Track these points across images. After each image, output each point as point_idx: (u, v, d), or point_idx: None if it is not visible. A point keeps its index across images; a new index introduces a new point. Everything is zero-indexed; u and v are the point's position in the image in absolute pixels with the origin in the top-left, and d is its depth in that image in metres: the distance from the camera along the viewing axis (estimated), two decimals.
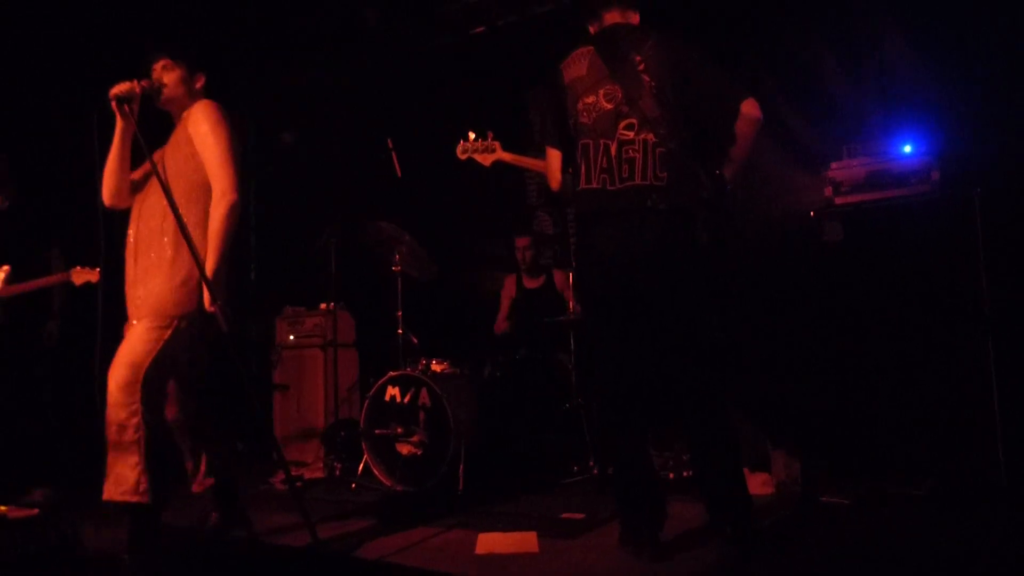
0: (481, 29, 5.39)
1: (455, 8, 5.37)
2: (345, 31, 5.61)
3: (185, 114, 2.96)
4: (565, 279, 4.62)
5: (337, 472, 4.48)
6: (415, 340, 4.60)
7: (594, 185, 2.70)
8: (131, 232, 2.94)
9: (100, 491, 2.75)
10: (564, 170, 2.87)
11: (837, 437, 3.48)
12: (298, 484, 3.86)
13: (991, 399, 3.18)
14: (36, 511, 3.54)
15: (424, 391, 4.05)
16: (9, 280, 3.95)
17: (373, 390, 4.21)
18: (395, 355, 4.42)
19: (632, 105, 2.66)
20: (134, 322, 2.85)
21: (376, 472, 4.09)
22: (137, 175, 3.01)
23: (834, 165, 3.63)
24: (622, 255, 2.64)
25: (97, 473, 2.77)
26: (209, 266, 2.75)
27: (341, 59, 5.82)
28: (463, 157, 3.84)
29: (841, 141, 3.72)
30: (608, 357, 2.75)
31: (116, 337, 2.85)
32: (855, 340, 3.48)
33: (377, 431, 4.13)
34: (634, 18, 2.79)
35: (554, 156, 2.88)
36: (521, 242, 4.90)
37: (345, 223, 5.13)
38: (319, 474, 4.62)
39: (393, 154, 4.73)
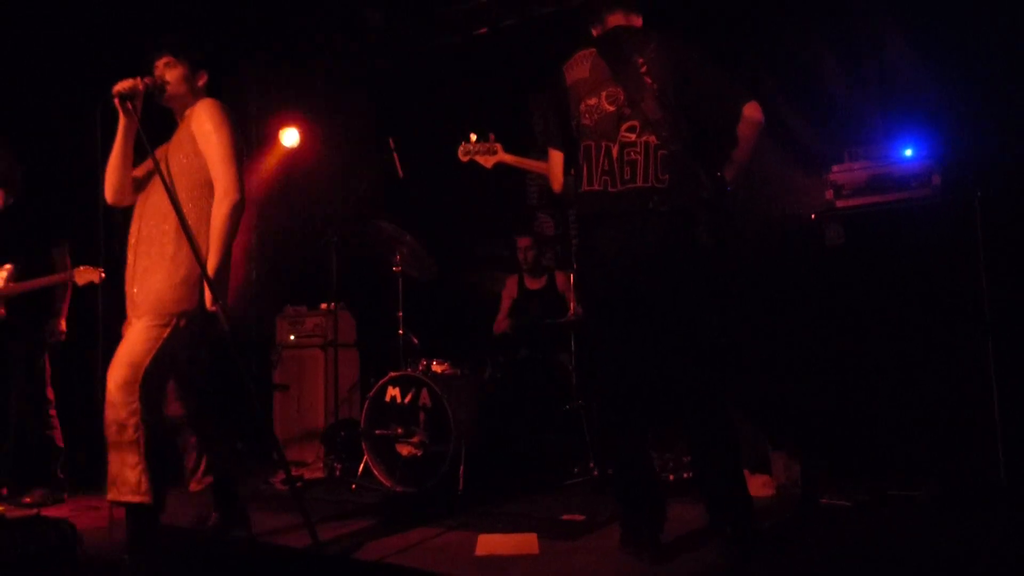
0: (484, 30, 5.39)
1: (457, 9, 5.37)
2: (348, 31, 5.62)
3: (188, 112, 2.96)
4: (566, 280, 4.62)
5: (337, 472, 4.48)
6: (415, 340, 4.60)
7: (596, 187, 2.70)
8: (133, 230, 2.94)
9: (100, 491, 2.76)
10: (566, 172, 2.87)
11: (837, 439, 3.48)
12: (298, 484, 3.86)
13: (991, 400, 3.18)
14: (35, 511, 3.54)
15: (424, 392, 4.05)
16: (12, 278, 3.95)
17: (373, 390, 4.20)
18: (396, 355, 4.42)
19: (634, 107, 2.67)
20: (133, 321, 2.84)
21: (376, 473, 4.09)
22: (140, 173, 3.00)
23: (835, 168, 3.64)
24: (624, 257, 2.65)
25: (97, 473, 2.77)
26: (211, 265, 2.75)
27: (344, 59, 5.82)
28: (465, 159, 3.83)
29: (842, 144, 3.73)
30: (609, 358, 2.75)
31: (117, 336, 2.85)
32: (855, 342, 3.49)
33: (377, 431, 4.13)
34: (637, 21, 2.80)
35: (556, 158, 2.88)
36: (523, 242, 4.90)
37: (346, 223, 5.14)
38: (319, 474, 4.62)
39: (395, 154, 4.73)
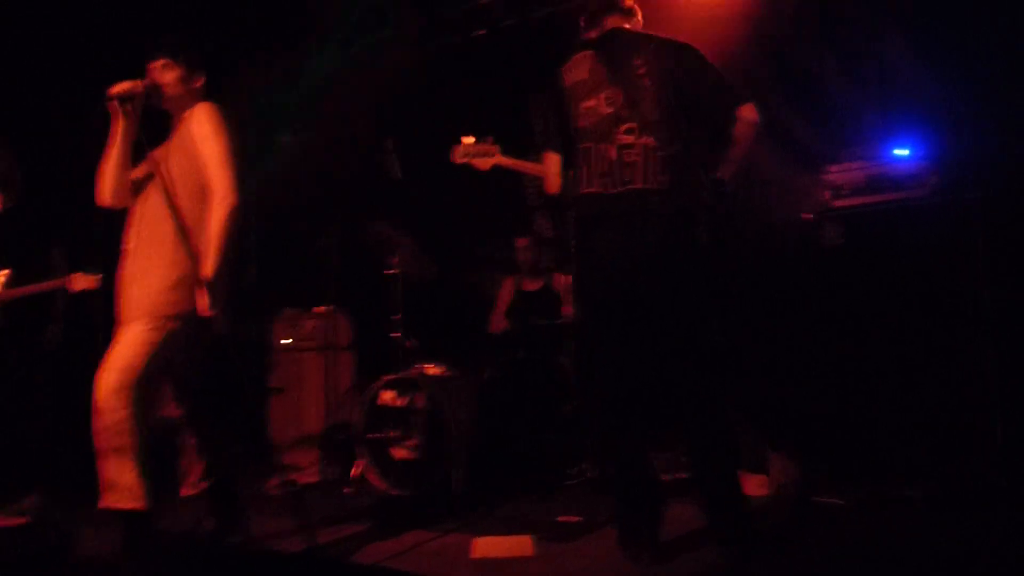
0: (483, 31, 5.39)
1: (456, 10, 5.37)
2: (347, 31, 5.61)
3: (186, 115, 2.95)
4: (565, 282, 4.60)
5: (332, 476, 4.45)
6: (412, 343, 4.58)
7: (594, 189, 2.70)
8: (131, 234, 2.93)
9: (95, 496, 2.73)
10: (563, 174, 2.87)
11: (835, 440, 3.47)
12: (294, 488, 3.84)
13: (990, 401, 3.17)
14: (26, 519, 3.51)
15: (420, 394, 4.03)
16: (9, 284, 3.93)
17: (369, 394, 4.19)
18: (392, 358, 4.40)
19: (632, 109, 2.67)
20: (126, 324, 2.83)
21: (371, 476, 4.07)
22: (136, 175, 2.99)
23: (832, 168, 3.63)
24: (622, 258, 2.64)
25: (93, 479, 2.75)
26: (208, 270, 2.74)
27: (343, 59, 5.81)
28: (460, 161, 3.83)
29: (840, 144, 3.72)
30: (608, 360, 2.75)
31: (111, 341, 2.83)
32: (853, 342, 3.48)
33: (372, 435, 4.11)
34: (635, 23, 2.79)
35: (552, 160, 2.87)
36: (521, 243, 4.89)
37: (344, 224, 5.12)
38: (314, 478, 4.59)
39: (393, 155, 4.72)
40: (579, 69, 2.81)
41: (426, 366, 4.30)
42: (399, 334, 4.44)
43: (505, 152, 3.84)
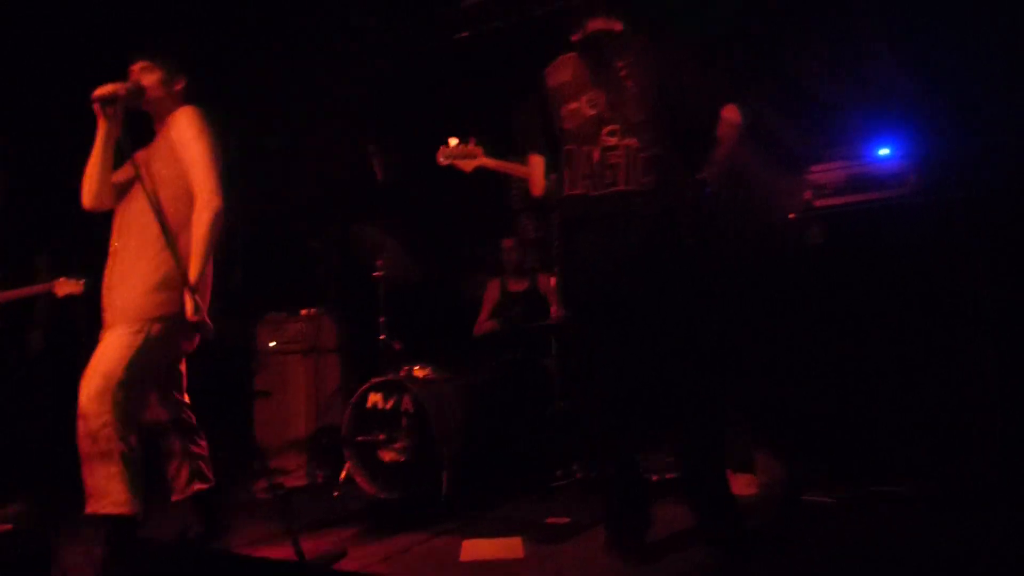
0: (465, 34, 5.38)
1: (441, 13, 5.36)
2: (330, 34, 5.59)
3: (168, 119, 2.94)
4: (548, 283, 4.61)
5: (319, 480, 4.44)
6: (398, 345, 4.57)
7: (578, 191, 2.70)
8: (114, 238, 2.91)
9: (81, 504, 2.71)
10: (547, 176, 2.87)
11: (821, 438, 3.49)
12: (280, 492, 3.83)
13: (983, 398, 3.17)
14: (9, 527, 3.48)
15: (407, 397, 4.02)
16: None
17: (355, 397, 4.17)
18: (378, 361, 4.39)
19: (615, 111, 2.67)
20: (109, 328, 2.81)
21: (359, 479, 4.06)
22: (119, 178, 2.97)
23: (814, 168, 3.66)
24: (607, 260, 2.65)
25: (79, 485, 2.72)
26: (193, 274, 2.72)
27: (325, 62, 5.79)
28: (444, 163, 3.82)
29: (822, 144, 3.75)
30: (594, 362, 2.75)
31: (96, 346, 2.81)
32: (837, 340, 3.50)
33: (359, 438, 4.10)
34: (617, 26, 2.80)
35: (536, 162, 2.88)
36: (507, 244, 4.90)
37: (329, 227, 5.10)
38: (301, 482, 4.58)
39: (375, 158, 4.71)
40: (562, 71, 2.81)
41: (413, 368, 4.29)
42: (385, 336, 4.43)
43: (489, 153, 3.84)
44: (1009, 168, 3.41)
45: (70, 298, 3.83)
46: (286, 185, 5.88)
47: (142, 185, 2.74)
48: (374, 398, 4.12)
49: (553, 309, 4.38)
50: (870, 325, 3.43)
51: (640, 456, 3.85)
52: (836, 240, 3.56)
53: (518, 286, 4.94)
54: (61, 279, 3.85)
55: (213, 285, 2.91)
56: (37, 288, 3.95)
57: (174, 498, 2.96)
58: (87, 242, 2.86)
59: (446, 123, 4.45)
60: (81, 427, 2.66)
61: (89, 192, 2.93)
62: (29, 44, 4.69)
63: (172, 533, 3.08)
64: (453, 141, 3.81)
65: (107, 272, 2.89)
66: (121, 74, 2.89)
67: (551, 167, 2.86)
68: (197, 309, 2.68)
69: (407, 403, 4.01)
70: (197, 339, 2.88)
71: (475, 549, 2.91)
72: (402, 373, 4.23)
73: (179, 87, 3.02)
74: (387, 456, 4.02)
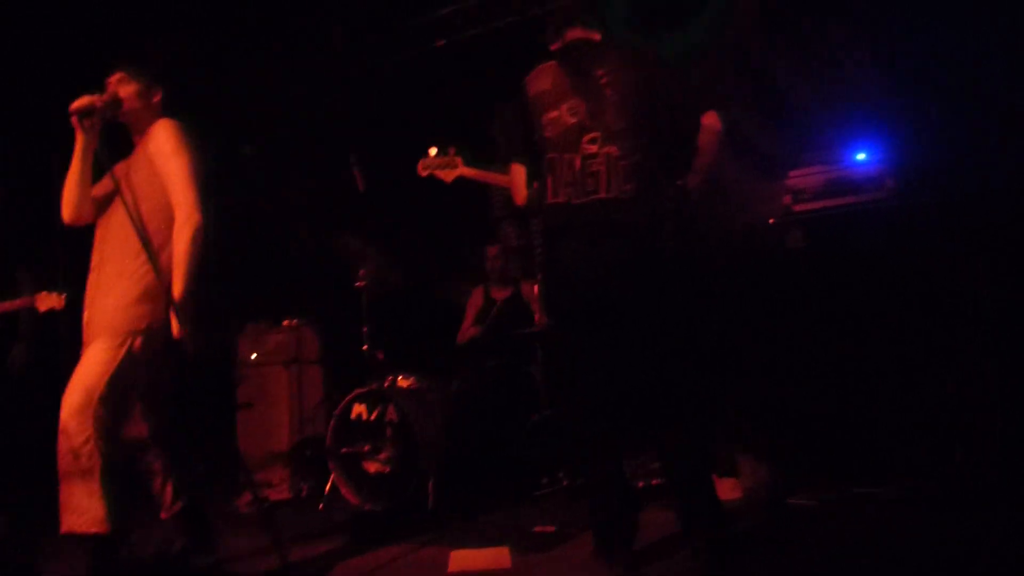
0: (442, 43, 5.39)
1: (417, 22, 5.36)
2: (309, 43, 5.57)
3: (147, 131, 2.91)
4: (532, 291, 4.62)
5: (304, 492, 4.41)
6: (381, 355, 4.55)
7: (560, 199, 2.71)
8: (96, 253, 2.88)
9: (59, 522, 2.67)
10: (529, 184, 2.88)
11: (807, 441, 3.52)
12: (264, 505, 3.79)
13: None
14: None
15: (391, 407, 4.01)
16: None
17: (339, 408, 4.15)
18: (361, 371, 4.37)
19: (595, 119, 2.68)
20: (89, 343, 2.77)
21: (344, 491, 4.04)
22: (99, 191, 2.94)
23: (793, 173, 3.70)
24: (588, 268, 2.66)
25: (57, 504, 2.68)
26: (177, 290, 2.70)
27: (305, 71, 5.78)
28: (424, 174, 3.83)
29: (800, 150, 3.79)
30: (579, 370, 2.76)
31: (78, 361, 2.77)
32: (820, 343, 3.53)
33: (344, 449, 4.08)
34: (595, 36, 2.81)
35: (518, 171, 2.89)
36: (492, 251, 4.90)
37: (309, 237, 5.08)
38: (285, 495, 4.54)
39: (356, 167, 4.69)
40: (542, 80, 2.82)
41: (397, 378, 4.28)
42: (368, 346, 4.41)
43: (469, 163, 3.84)
44: (985, 172, 3.46)
45: (52, 312, 3.79)
46: (267, 194, 5.86)
47: (122, 198, 2.71)
48: (358, 409, 4.10)
49: (537, 316, 4.38)
50: (852, 328, 3.46)
51: (626, 462, 3.87)
52: (816, 244, 3.59)
53: (501, 293, 4.94)
54: (43, 293, 3.81)
55: (197, 299, 2.88)
56: (18, 303, 3.91)
57: (162, 515, 2.91)
58: (69, 255, 2.82)
59: (427, 131, 4.45)
60: (63, 443, 2.63)
61: (69, 206, 2.90)
62: (6, 55, 4.63)
63: (156, 549, 3.04)
64: (433, 151, 3.81)
65: (89, 286, 2.86)
66: (98, 86, 2.85)
67: (533, 175, 2.86)
68: (181, 323, 2.66)
69: (391, 413, 4.00)
70: (180, 352, 2.85)
71: (463, 560, 2.90)
72: (386, 383, 4.22)
73: (156, 99, 2.99)
74: (372, 467, 4.00)
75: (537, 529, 3.30)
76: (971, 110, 3.61)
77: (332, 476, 4.11)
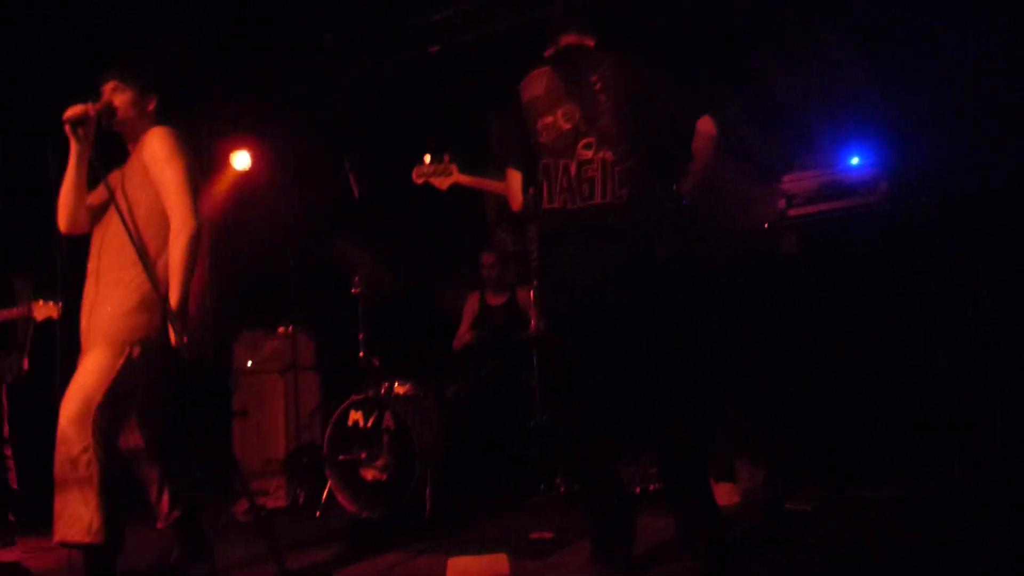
0: (435, 48, 5.39)
1: (411, 26, 5.36)
2: (302, 52, 5.57)
3: (141, 139, 2.91)
4: (528, 296, 4.62)
5: (300, 500, 4.40)
6: (377, 362, 4.55)
7: (556, 205, 2.71)
8: (92, 261, 2.87)
9: (52, 532, 2.66)
10: (524, 190, 2.88)
11: (802, 443, 3.53)
12: (261, 514, 3.78)
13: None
14: None
15: (388, 414, 4.00)
16: None
17: (336, 415, 4.14)
18: (357, 378, 4.36)
19: (590, 124, 2.69)
20: (87, 352, 2.76)
21: (341, 498, 4.03)
22: (95, 200, 2.93)
23: (786, 178, 3.71)
24: (585, 274, 2.66)
25: (50, 513, 2.67)
26: (174, 298, 2.69)
27: (300, 77, 5.78)
28: (419, 181, 3.84)
29: (794, 154, 3.80)
30: (574, 375, 2.76)
31: (75, 370, 2.76)
32: (815, 347, 3.55)
33: (341, 456, 4.07)
34: (589, 41, 2.82)
35: (514, 177, 2.89)
36: (487, 259, 4.90)
37: (304, 244, 5.08)
38: (281, 503, 4.53)
39: (351, 174, 4.70)
40: (536, 85, 2.82)
41: (393, 384, 4.27)
42: (364, 353, 4.40)
43: (463, 170, 3.85)
44: (985, 172, 3.47)
45: (48, 321, 3.78)
46: (262, 202, 5.85)
47: (116, 208, 2.71)
48: (355, 416, 4.10)
49: (532, 322, 4.38)
50: (849, 331, 3.47)
51: (623, 468, 3.87)
52: (810, 248, 3.61)
53: (497, 300, 4.95)
54: (39, 302, 3.80)
55: (193, 307, 2.88)
56: (15, 312, 3.90)
57: (159, 525, 2.89)
58: (67, 264, 2.81)
59: (421, 138, 4.44)
60: (60, 451, 2.61)
61: (65, 215, 2.89)
62: (3, 58, 4.62)
63: (152, 559, 3.03)
64: (427, 159, 3.81)
65: (86, 294, 2.85)
66: (92, 94, 2.85)
67: (528, 181, 2.86)
68: (178, 332, 2.65)
69: (388, 420, 3.99)
70: (176, 359, 2.84)
71: (461, 567, 2.89)
72: (382, 390, 4.21)
73: (151, 107, 2.98)
74: (369, 474, 3.99)
75: (534, 535, 3.29)
76: (971, 110, 3.62)
77: (329, 483, 4.11)
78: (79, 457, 2.60)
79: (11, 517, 3.92)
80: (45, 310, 3.79)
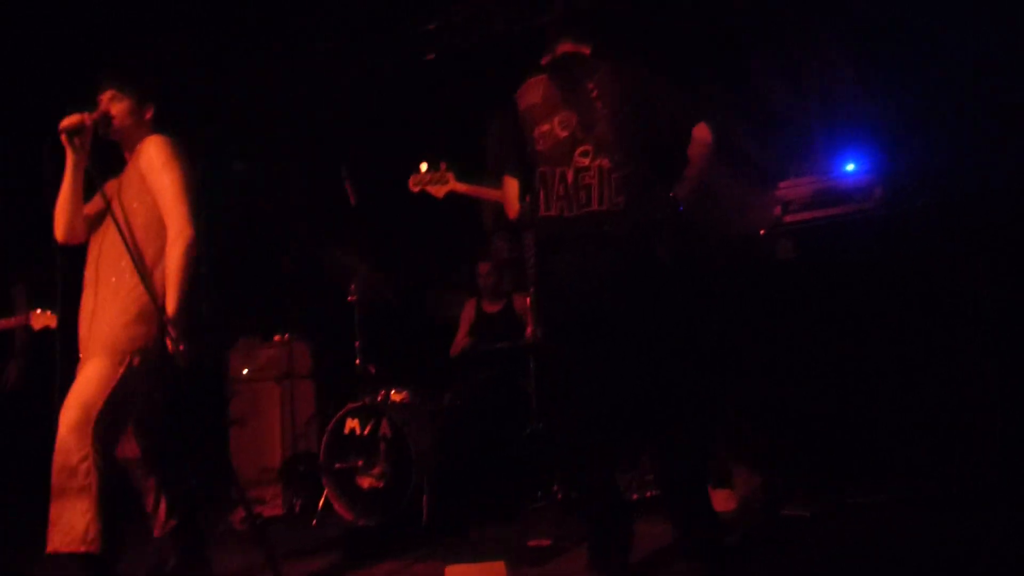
0: (431, 56, 5.41)
1: (407, 33, 5.38)
2: (299, 56, 5.58)
3: (138, 148, 2.91)
4: (524, 303, 4.63)
5: (297, 508, 4.39)
6: (373, 369, 4.54)
7: (553, 212, 2.72)
8: (90, 270, 2.87)
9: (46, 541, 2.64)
10: (521, 198, 2.89)
11: (801, 446, 3.52)
12: (257, 522, 3.77)
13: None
14: None
15: (384, 422, 4.00)
16: None
17: (332, 423, 4.14)
18: (354, 386, 4.36)
19: (587, 132, 2.70)
20: (86, 361, 2.76)
21: (337, 507, 4.02)
22: (92, 210, 2.93)
23: (782, 184, 3.72)
24: (582, 281, 2.66)
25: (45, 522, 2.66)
26: (170, 307, 2.69)
27: (296, 84, 5.78)
28: (415, 190, 3.84)
29: (789, 161, 3.82)
30: (570, 382, 2.76)
31: (73, 379, 2.76)
32: (810, 354, 3.55)
33: (337, 464, 4.06)
34: (585, 49, 2.83)
35: (511, 185, 2.90)
36: (483, 268, 4.91)
37: (300, 251, 5.07)
38: (278, 511, 4.52)
39: (347, 181, 4.70)
40: (532, 93, 2.83)
41: (390, 392, 4.27)
42: (360, 361, 4.40)
43: (460, 178, 3.86)
44: (985, 172, 3.49)
45: (46, 330, 3.78)
46: (258, 209, 5.85)
47: (112, 217, 2.71)
48: (351, 424, 4.09)
49: (529, 329, 4.38)
50: (848, 336, 3.48)
51: (620, 475, 3.87)
52: (806, 254, 3.61)
53: (494, 307, 4.95)
54: (36, 311, 3.80)
55: (189, 316, 2.87)
56: (13, 321, 3.90)
57: (156, 533, 2.89)
58: (65, 273, 2.81)
59: (418, 145, 4.46)
60: (59, 460, 2.61)
61: (61, 225, 2.89)
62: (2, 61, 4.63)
63: (149, 567, 3.02)
64: (423, 167, 3.82)
65: (84, 303, 2.85)
66: (89, 103, 2.85)
67: (525, 189, 2.87)
68: (175, 340, 2.65)
69: (385, 428, 3.99)
70: (173, 367, 2.84)
71: (458, 574, 2.89)
72: (379, 397, 4.21)
73: (148, 115, 2.98)
74: (365, 482, 3.98)
75: (532, 543, 3.29)
76: (970, 110, 3.64)
77: (325, 491, 4.10)
78: (78, 465, 2.59)
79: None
80: (43, 319, 3.79)
